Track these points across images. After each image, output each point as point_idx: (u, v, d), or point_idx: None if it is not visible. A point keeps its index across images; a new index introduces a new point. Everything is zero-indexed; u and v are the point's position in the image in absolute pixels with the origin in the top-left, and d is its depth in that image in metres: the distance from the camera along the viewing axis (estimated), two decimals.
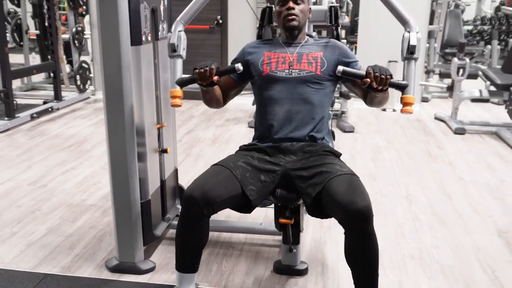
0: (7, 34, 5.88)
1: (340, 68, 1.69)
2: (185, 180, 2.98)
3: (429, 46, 6.41)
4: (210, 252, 2.40)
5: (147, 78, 2.20)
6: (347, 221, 1.62)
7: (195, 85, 1.86)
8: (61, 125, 4.81)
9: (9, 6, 6.84)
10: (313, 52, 1.96)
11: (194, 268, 1.84)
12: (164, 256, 2.36)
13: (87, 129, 4.67)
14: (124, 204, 2.15)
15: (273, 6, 2.09)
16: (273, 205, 2.02)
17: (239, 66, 1.78)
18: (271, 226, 2.40)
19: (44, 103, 5.38)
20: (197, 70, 1.78)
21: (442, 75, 6.01)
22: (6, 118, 4.63)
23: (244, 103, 5.45)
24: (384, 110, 5.57)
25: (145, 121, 2.17)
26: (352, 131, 4.68)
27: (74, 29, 5.77)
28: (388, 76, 1.64)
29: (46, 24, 5.47)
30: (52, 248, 2.44)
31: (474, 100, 5.03)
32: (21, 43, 6.43)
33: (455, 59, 4.82)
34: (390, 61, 5.39)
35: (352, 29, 6.52)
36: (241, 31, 5.73)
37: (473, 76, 5.02)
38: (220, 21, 5.82)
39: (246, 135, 4.48)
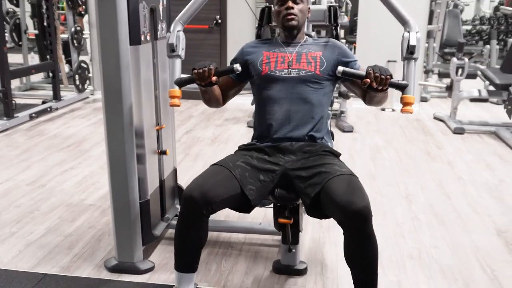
0: (6, 34, 5.88)
1: (340, 68, 1.69)
2: (184, 180, 2.98)
3: (428, 46, 6.41)
4: (209, 252, 2.40)
5: (146, 78, 2.19)
6: (346, 221, 1.62)
7: (194, 85, 1.86)
8: (60, 125, 4.80)
9: (8, 6, 6.84)
10: (312, 52, 1.96)
11: (193, 268, 1.83)
12: (163, 256, 2.36)
13: (86, 129, 4.67)
14: (123, 204, 2.15)
15: (272, 5, 2.09)
16: (272, 205, 2.02)
17: (237, 66, 1.78)
18: (270, 226, 2.40)
19: (43, 103, 5.37)
20: (195, 71, 1.78)
21: (441, 75, 6.02)
22: (5, 118, 4.62)
23: (243, 102, 5.45)
24: (383, 110, 5.58)
25: (144, 121, 2.17)
26: (351, 131, 4.68)
27: (73, 29, 5.77)
28: (388, 76, 1.64)
29: (45, 24, 5.47)
30: (51, 248, 2.44)
31: (473, 100, 5.03)
32: (20, 43, 6.43)
33: (454, 59, 4.82)
34: (389, 61, 5.39)
35: (351, 29, 6.52)
36: (240, 30, 5.73)
37: (472, 76, 5.02)
38: (219, 21, 5.82)
39: (245, 135, 4.48)
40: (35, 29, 6.43)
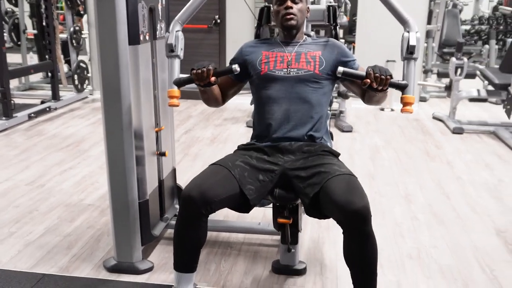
0: (5, 34, 5.87)
1: (341, 69, 1.70)
2: (183, 180, 2.98)
3: (427, 45, 6.42)
4: (209, 252, 2.39)
5: (145, 78, 2.19)
6: (345, 221, 1.62)
7: (193, 85, 1.86)
8: (59, 125, 4.80)
9: (6, 6, 6.83)
10: (312, 51, 1.96)
11: (192, 268, 1.83)
12: (162, 256, 2.36)
13: (85, 128, 4.66)
14: (122, 204, 2.15)
15: (271, 5, 2.09)
16: (271, 205, 2.02)
17: (236, 67, 1.78)
18: (269, 226, 2.40)
19: (42, 102, 5.37)
20: (194, 71, 1.78)
21: (440, 75, 6.02)
22: (3, 118, 4.61)
23: (242, 102, 5.44)
24: (382, 109, 5.58)
25: (143, 121, 2.16)
26: (350, 131, 4.68)
27: (72, 29, 5.76)
28: (388, 77, 1.65)
29: (44, 23, 5.46)
30: (50, 248, 2.43)
31: (472, 99, 5.03)
32: (19, 43, 6.42)
33: (453, 59, 4.83)
34: (388, 61, 5.39)
35: (350, 29, 6.52)
36: (239, 30, 5.73)
37: (471, 75, 5.02)
38: (218, 21, 5.81)
39: (244, 135, 4.47)
40: (34, 29, 6.43)
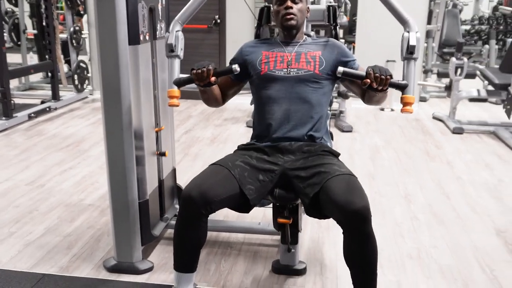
0: (5, 34, 5.87)
1: (341, 69, 1.70)
2: (183, 180, 2.97)
3: (427, 45, 6.42)
4: (209, 252, 2.39)
5: (145, 78, 2.19)
6: (345, 221, 1.62)
7: (194, 85, 1.86)
8: (59, 125, 4.80)
9: (6, 6, 6.83)
10: (312, 51, 1.96)
11: (192, 268, 1.83)
12: (162, 256, 2.36)
13: (85, 128, 4.66)
14: (122, 204, 2.15)
15: (271, 5, 2.09)
16: (271, 205, 2.02)
17: (236, 67, 1.78)
18: (269, 226, 2.40)
19: (42, 102, 5.37)
20: (194, 71, 1.78)
21: (440, 75, 6.02)
22: (3, 118, 4.61)
23: (242, 102, 5.44)
24: (382, 109, 5.58)
25: (143, 121, 2.16)
26: (350, 131, 4.68)
27: (72, 29, 5.76)
28: (388, 77, 1.65)
29: (44, 23, 5.46)
30: (50, 248, 2.43)
31: (472, 99, 5.03)
32: (19, 43, 6.42)
33: (453, 59, 4.83)
34: (388, 61, 5.40)
35: (350, 29, 6.52)
36: (239, 30, 5.73)
37: (471, 75, 5.02)
38: (218, 21, 5.81)
39: (244, 135, 4.47)
40: (34, 29, 6.43)
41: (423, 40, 5.84)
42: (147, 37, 2.18)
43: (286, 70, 1.93)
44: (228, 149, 3.72)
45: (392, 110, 5.54)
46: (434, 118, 5.22)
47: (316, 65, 1.93)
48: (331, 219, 1.74)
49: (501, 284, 2.17)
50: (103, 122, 2.09)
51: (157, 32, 2.31)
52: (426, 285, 2.15)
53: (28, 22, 6.70)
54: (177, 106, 1.88)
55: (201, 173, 1.81)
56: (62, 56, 5.73)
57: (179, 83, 1.87)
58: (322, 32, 4.12)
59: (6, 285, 2.09)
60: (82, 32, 6.06)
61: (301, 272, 2.21)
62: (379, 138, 4.47)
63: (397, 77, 1.70)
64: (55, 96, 5.48)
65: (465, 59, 4.83)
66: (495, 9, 9.87)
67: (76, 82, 5.78)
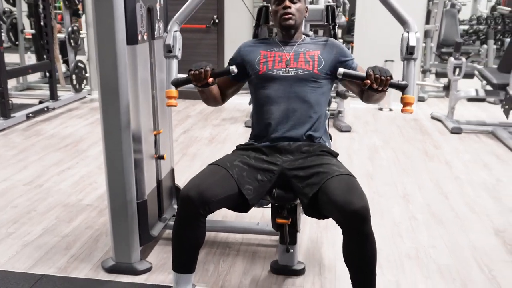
0: (3, 34, 5.85)
1: (341, 70, 1.71)
2: (182, 180, 2.97)
3: (425, 45, 6.42)
4: (207, 252, 2.39)
5: (143, 78, 2.19)
6: (345, 221, 1.61)
7: (192, 85, 1.86)
8: (57, 125, 4.79)
9: (4, 5, 6.81)
10: (310, 51, 1.96)
11: (191, 269, 1.83)
12: (161, 256, 2.35)
13: (83, 128, 4.65)
14: (120, 204, 2.14)
15: (269, 5, 2.08)
16: (270, 205, 2.01)
17: (233, 68, 1.79)
18: (268, 226, 2.39)
19: (40, 102, 5.35)
20: (192, 72, 1.78)
21: (439, 75, 6.02)
22: (1, 118, 4.60)
23: (241, 102, 5.43)
24: (380, 109, 5.58)
25: (142, 121, 2.16)
26: (349, 131, 4.68)
27: (70, 29, 5.75)
28: (388, 77, 1.66)
29: (42, 23, 5.45)
30: (48, 248, 2.43)
31: (471, 99, 5.03)
32: (17, 43, 6.40)
33: (452, 59, 4.83)
34: (386, 61, 5.40)
35: (349, 29, 6.53)
36: (238, 30, 5.72)
37: (469, 75, 5.03)
38: (217, 21, 5.81)
39: (243, 135, 4.47)
40: (32, 28, 6.41)
41: (421, 40, 5.84)
42: (145, 37, 2.17)
43: (284, 69, 1.93)
44: (227, 149, 3.72)
45: (390, 110, 5.55)
46: (433, 118, 5.22)
47: (315, 65, 1.93)
48: (329, 219, 1.74)
49: (499, 284, 2.17)
50: (101, 122, 2.09)
51: (155, 32, 2.30)
52: (424, 285, 2.15)
53: (26, 21, 6.68)
54: (175, 106, 1.89)
55: (199, 173, 1.80)
56: (60, 56, 5.71)
57: (177, 83, 1.87)
58: (320, 32, 4.12)
59: (4, 286, 2.09)
60: (80, 32, 6.05)
61: (300, 273, 2.21)
62: (377, 138, 4.47)
63: (396, 77, 1.70)
64: (53, 96, 5.47)
65: (464, 59, 4.83)
66: (493, 9, 9.88)
67: (74, 82, 5.77)
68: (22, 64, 6.32)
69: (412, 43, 1.82)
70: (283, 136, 1.91)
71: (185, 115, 5.25)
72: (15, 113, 4.76)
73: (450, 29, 7.12)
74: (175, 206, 2.64)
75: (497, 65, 5.17)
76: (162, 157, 2.39)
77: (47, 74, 5.53)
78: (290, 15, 1.92)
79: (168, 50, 1.99)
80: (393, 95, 5.11)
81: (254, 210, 1.96)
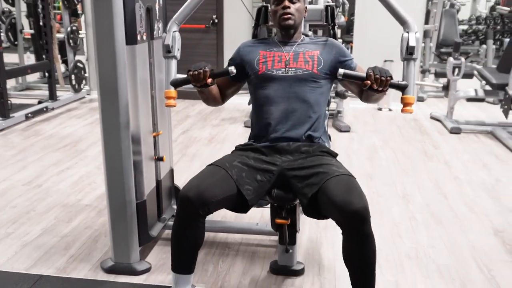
0: (2, 34, 5.85)
1: (341, 71, 1.71)
2: (181, 180, 2.97)
3: (424, 45, 6.42)
4: (206, 253, 2.39)
5: (142, 78, 2.18)
6: (344, 222, 1.61)
7: (191, 85, 1.86)
8: (56, 125, 4.79)
9: (3, 5, 6.81)
10: (310, 51, 1.96)
11: (190, 269, 1.83)
12: (160, 256, 2.35)
13: (82, 129, 4.65)
14: (119, 205, 2.14)
15: (268, 5, 2.08)
16: (269, 205, 2.01)
17: (232, 69, 1.79)
18: (267, 226, 2.39)
19: (39, 103, 5.35)
20: (191, 72, 1.78)
21: (438, 75, 6.02)
22: (0, 118, 4.59)
23: (240, 102, 5.43)
24: (380, 109, 5.58)
25: (141, 121, 2.16)
26: (348, 131, 4.68)
27: (69, 29, 5.75)
28: (388, 78, 1.67)
29: (41, 23, 5.44)
30: (47, 248, 2.42)
31: (470, 99, 5.03)
32: (16, 43, 6.40)
33: (451, 59, 4.83)
34: (385, 61, 5.40)
35: (348, 29, 6.53)
36: (237, 30, 5.72)
37: (468, 75, 5.03)
38: (216, 21, 5.81)
39: (242, 135, 4.47)
40: (31, 28, 6.41)
41: (420, 40, 5.84)
42: (144, 37, 2.17)
43: (284, 69, 1.93)
44: (226, 149, 3.72)
45: (390, 110, 5.55)
46: (432, 118, 5.22)
47: (315, 65, 1.93)
48: (329, 219, 1.74)
49: (498, 284, 2.17)
50: (101, 122, 2.08)
51: (155, 32, 2.30)
52: (424, 285, 2.15)
53: (25, 21, 6.67)
54: (174, 106, 1.89)
55: (198, 174, 1.80)
56: (59, 56, 5.71)
57: (176, 83, 1.88)
58: (319, 32, 4.12)
59: (2, 287, 2.08)
60: (80, 32, 6.04)
61: (299, 273, 2.20)
62: (377, 138, 4.47)
63: (395, 77, 1.70)
64: (52, 96, 5.46)
65: (463, 59, 4.83)
66: (492, 9, 9.89)
67: (73, 82, 5.77)
68: (21, 64, 6.32)
69: (412, 43, 1.82)
70: (283, 136, 1.91)
71: (184, 115, 5.25)
72: (14, 113, 4.75)
73: (449, 29, 7.13)
74: (174, 207, 2.64)
75: (496, 65, 5.17)
76: (161, 159, 2.39)
77: (46, 74, 5.53)
78: (289, 15, 1.92)
79: (167, 51, 1.98)
80: (392, 95, 5.11)
81: (253, 211, 1.96)
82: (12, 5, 6.44)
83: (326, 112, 2.11)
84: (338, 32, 5.50)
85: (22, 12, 6.47)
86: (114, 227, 2.18)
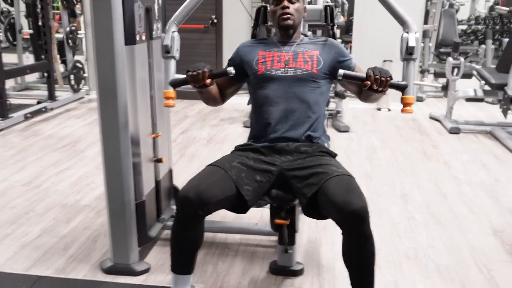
0: (1, 34, 5.85)
1: (341, 72, 1.71)
2: (180, 181, 2.96)
3: (424, 45, 6.43)
4: (206, 253, 2.39)
5: (141, 78, 2.18)
6: (344, 222, 1.61)
7: (190, 85, 1.86)
8: (55, 125, 4.78)
9: (2, 5, 6.81)
10: (309, 51, 1.96)
11: (189, 270, 1.82)
12: (159, 257, 2.35)
13: (81, 129, 4.65)
14: (118, 205, 2.14)
15: (267, 5, 2.08)
16: (268, 206, 2.01)
17: (231, 70, 1.79)
18: (266, 226, 2.39)
19: (38, 103, 5.34)
20: (189, 73, 1.78)
21: (437, 75, 6.03)
22: None
23: (239, 103, 5.42)
24: (379, 109, 5.58)
25: (140, 122, 2.15)
26: (347, 131, 4.68)
27: (68, 29, 5.74)
28: (388, 78, 1.67)
29: (40, 23, 5.44)
30: (46, 249, 2.42)
31: (469, 99, 5.04)
32: (15, 43, 6.39)
33: (450, 59, 4.83)
34: (385, 61, 5.40)
35: (347, 29, 6.53)
36: (236, 30, 5.72)
37: (467, 75, 5.03)
38: (215, 21, 5.80)
39: (241, 135, 4.46)
40: (30, 28, 6.40)
41: (420, 40, 5.84)
42: (143, 37, 2.17)
43: (283, 69, 1.92)
44: (225, 150, 3.71)
45: (389, 110, 5.55)
46: (431, 118, 5.22)
47: (314, 65, 1.93)
48: (328, 219, 1.73)
49: (498, 284, 2.17)
50: (99, 122, 2.08)
51: (154, 32, 2.30)
52: (423, 285, 2.15)
53: (24, 22, 6.67)
54: (173, 106, 1.89)
55: (198, 174, 1.80)
56: (58, 56, 5.70)
57: (175, 84, 1.88)
58: (319, 32, 4.12)
59: (1, 287, 2.08)
60: (79, 32, 6.03)
61: (299, 273, 2.20)
62: (376, 138, 4.47)
63: (394, 77, 1.71)
64: (51, 96, 5.46)
65: (462, 59, 4.83)
66: (491, 9, 9.90)
67: (72, 82, 5.76)
68: (20, 64, 6.31)
69: (411, 43, 1.82)
70: (282, 136, 1.91)
71: (183, 115, 5.24)
72: (13, 114, 4.74)
73: (449, 29, 7.14)
74: (174, 207, 2.64)
75: (496, 65, 5.18)
76: (160, 160, 2.38)
77: (45, 74, 5.52)
78: (288, 15, 1.92)
79: (166, 51, 1.98)
80: (391, 95, 5.11)
81: (252, 211, 1.95)
82: (11, 5, 6.44)
83: (325, 112, 2.11)
84: (337, 32, 5.50)
85: (21, 12, 6.46)
86: (113, 228, 2.18)
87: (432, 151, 4.10)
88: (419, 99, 6.04)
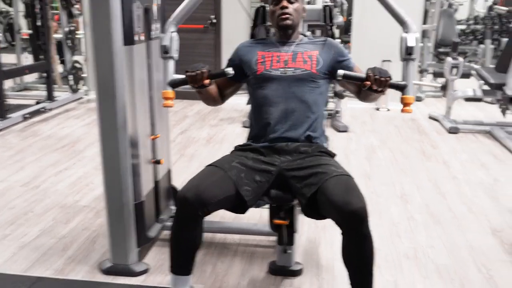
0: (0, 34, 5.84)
1: (341, 72, 1.72)
2: (179, 181, 2.95)
3: (422, 45, 6.43)
4: (205, 253, 2.38)
5: (140, 78, 2.18)
6: (343, 222, 1.61)
7: (189, 86, 1.86)
8: (53, 125, 4.77)
9: (1, 6, 6.80)
10: (309, 51, 1.96)
11: (188, 270, 1.82)
12: (158, 257, 2.35)
13: (80, 129, 4.64)
14: (117, 206, 2.14)
15: (266, 5, 2.08)
16: (268, 206, 2.01)
17: (229, 70, 1.79)
18: (266, 227, 2.39)
19: (37, 103, 5.33)
20: (188, 73, 1.78)
21: (436, 75, 6.03)
22: None
23: (238, 103, 5.42)
24: (378, 109, 5.58)
25: (138, 122, 2.15)
26: (346, 131, 4.68)
27: (66, 29, 5.73)
28: (387, 78, 1.68)
29: (39, 23, 5.43)
30: (45, 250, 2.42)
31: (468, 99, 5.04)
32: (13, 43, 6.39)
33: (449, 59, 4.83)
34: (384, 61, 5.40)
35: (346, 29, 6.52)
36: (235, 30, 5.72)
37: (466, 75, 5.04)
38: (214, 21, 5.80)
39: (241, 135, 4.46)
40: (28, 29, 6.39)
41: (419, 40, 5.84)
42: (142, 38, 2.16)
43: (282, 69, 1.92)
44: (224, 150, 3.72)
45: (388, 110, 5.55)
46: (430, 117, 5.22)
47: (313, 65, 1.93)
48: (327, 219, 1.73)
49: (497, 284, 2.17)
50: (98, 122, 2.08)
51: (152, 33, 2.29)
52: (423, 285, 2.15)
53: (22, 22, 6.66)
54: (171, 106, 1.89)
55: (197, 174, 1.80)
56: (57, 56, 5.70)
57: (174, 84, 1.88)
58: (318, 32, 4.12)
59: None
60: (77, 32, 6.03)
61: (298, 273, 2.20)
62: (375, 138, 4.47)
63: (393, 77, 1.71)
64: (50, 97, 5.45)
65: (461, 59, 4.83)
66: (490, 8, 9.90)
67: (71, 82, 5.76)
68: (19, 65, 6.31)
69: (410, 43, 1.82)
70: (282, 137, 1.91)
71: (182, 116, 5.24)
72: (11, 114, 4.74)
73: (448, 29, 7.13)
74: (173, 207, 2.63)
75: (494, 64, 5.18)
76: (158, 162, 2.38)
77: (44, 74, 5.51)
78: (287, 15, 1.92)
79: (165, 51, 1.98)
80: (390, 95, 5.11)
81: (252, 211, 1.95)
82: (10, 5, 6.44)
83: (324, 112, 2.11)
84: (337, 32, 5.50)
85: (20, 12, 6.46)
86: (112, 228, 2.18)
87: (431, 151, 4.10)
88: (418, 99, 6.04)
